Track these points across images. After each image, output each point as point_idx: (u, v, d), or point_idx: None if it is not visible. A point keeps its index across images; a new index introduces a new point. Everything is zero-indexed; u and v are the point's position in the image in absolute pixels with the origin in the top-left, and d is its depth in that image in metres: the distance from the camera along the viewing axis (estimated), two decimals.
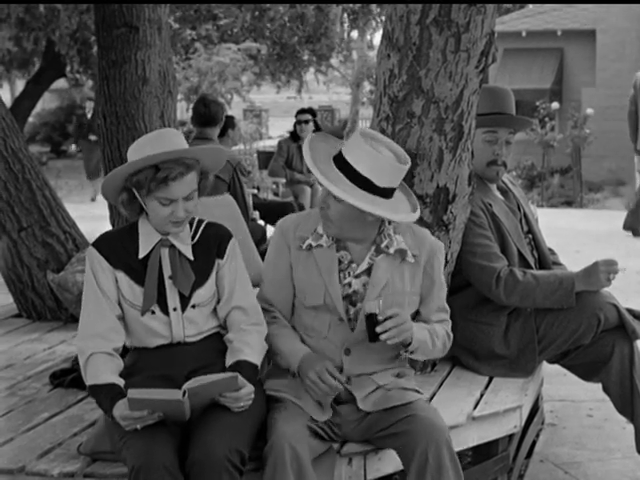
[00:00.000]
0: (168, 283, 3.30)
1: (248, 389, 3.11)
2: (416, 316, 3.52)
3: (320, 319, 3.43)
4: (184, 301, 3.31)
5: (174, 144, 3.20)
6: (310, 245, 3.43)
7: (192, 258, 3.33)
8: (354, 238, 3.42)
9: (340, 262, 3.43)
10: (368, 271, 3.43)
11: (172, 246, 3.32)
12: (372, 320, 3.26)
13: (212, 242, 3.38)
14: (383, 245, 3.42)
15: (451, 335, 3.60)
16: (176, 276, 3.29)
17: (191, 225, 3.39)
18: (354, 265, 3.43)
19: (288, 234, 3.46)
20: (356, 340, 3.39)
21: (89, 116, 18.93)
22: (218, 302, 3.40)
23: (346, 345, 3.42)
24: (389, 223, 3.45)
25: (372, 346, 3.35)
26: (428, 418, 3.23)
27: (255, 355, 3.27)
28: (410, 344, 3.34)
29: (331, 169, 3.31)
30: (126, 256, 3.31)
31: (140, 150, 3.21)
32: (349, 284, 3.42)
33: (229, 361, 3.25)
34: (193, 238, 3.36)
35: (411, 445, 3.17)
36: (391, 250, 3.42)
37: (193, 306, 3.32)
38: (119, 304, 3.32)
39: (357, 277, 3.43)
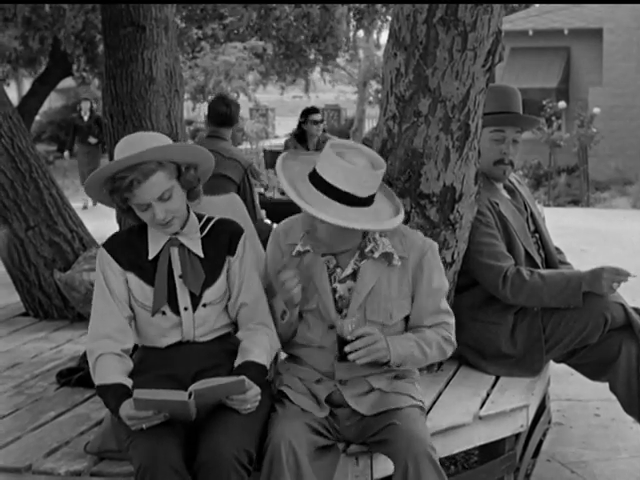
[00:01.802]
0: (178, 282, 3.29)
1: (254, 391, 3.10)
2: (407, 321, 3.46)
3: (313, 325, 3.40)
4: (195, 300, 3.30)
5: (135, 149, 3.13)
6: (299, 251, 3.41)
7: (202, 256, 3.32)
8: (345, 250, 3.37)
9: (327, 267, 3.40)
10: (353, 276, 3.38)
11: (182, 245, 3.31)
12: (342, 340, 3.22)
13: (223, 239, 3.36)
14: (367, 250, 3.36)
15: (452, 338, 3.47)
16: (186, 275, 3.28)
17: (200, 222, 3.38)
18: (339, 270, 3.40)
19: (280, 241, 3.46)
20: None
21: (86, 118, 17.76)
22: (229, 299, 3.39)
23: (338, 352, 3.32)
24: None
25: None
26: (407, 429, 3.16)
27: (263, 355, 3.25)
28: (388, 362, 3.28)
29: (309, 188, 3.23)
30: (136, 257, 3.30)
31: (115, 155, 3.20)
32: (335, 289, 3.39)
33: (238, 361, 3.24)
34: (201, 234, 3.34)
35: (393, 455, 3.17)
36: (376, 255, 3.35)
37: (204, 305, 3.31)
38: (130, 305, 3.32)
39: (342, 282, 3.39)
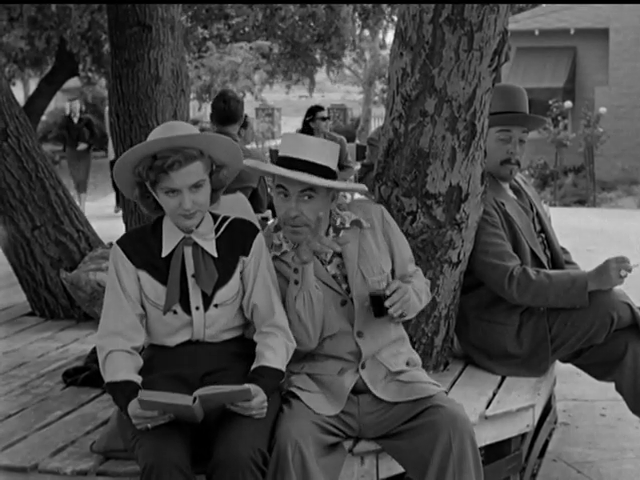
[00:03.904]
0: (191, 282, 3.27)
1: (260, 398, 3.08)
2: (392, 274, 3.62)
3: (325, 311, 3.44)
4: (207, 300, 3.28)
5: (177, 133, 3.17)
6: (275, 256, 3.49)
7: (216, 255, 3.30)
8: (321, 231, 3.45)
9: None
10: (337, 253, 3.52)
11: (195, 244, 3.30)
12: (378, 296, 3.36)
13: (237, 239, 3.35)
14: (338, 223, 3.54)
15: (429, 282, 3.79)
16: (199, 275, 3.26)
17: (215, 221, 3.38)
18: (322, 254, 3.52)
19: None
20: (364, 317, 3.46)
21: (75, 120, 16.53)
22: (243, 299, 3.37)
23: (357, 328, 3.46)
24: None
25: (377, 320, 3.44)
26: (452, 409, 3.26)
27: (277, 358, 3.23)
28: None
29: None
30: (149, 255, 3.29)
31: (150, 139, 3.21)
32: (326, 270, 3.50)
33: (253, 366, 3.23)
34: (216, 234, 3.34)
35: (434, 436, 3.18)
36: (347, 224, 3.54)
37: (216, 305, 3.29)
38: (141, 303, 3.31)
39: (330, 262, 3.52)
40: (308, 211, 3.35)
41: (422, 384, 3.40)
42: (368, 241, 3.55)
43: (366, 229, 3.56)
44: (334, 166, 3.46)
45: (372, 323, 3.46)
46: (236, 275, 3.33)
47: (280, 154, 3.44)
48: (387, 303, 3.33)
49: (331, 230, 3.52)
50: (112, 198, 15.92)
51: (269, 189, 10.20)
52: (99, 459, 3.34)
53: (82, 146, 16.33)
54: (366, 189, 3.60)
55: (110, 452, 3.33)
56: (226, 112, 6.66)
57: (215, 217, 3.38)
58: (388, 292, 3.35)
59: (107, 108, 16.05)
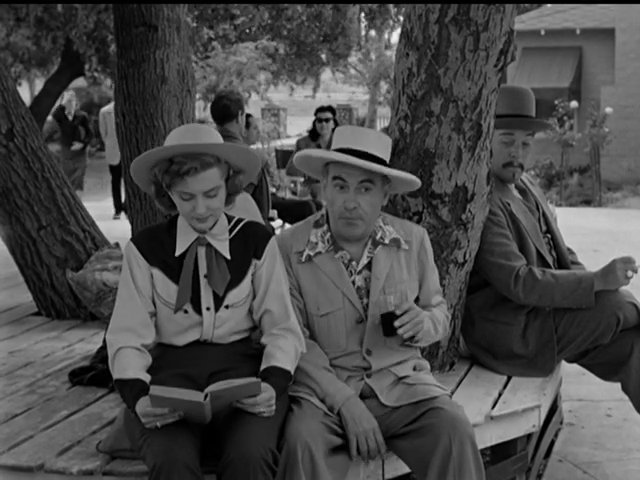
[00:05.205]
0: (203, 282, 3.28)
1: (267, 394, 3.07)
2: (416, 302, 3.58)
3: (335, 327, 3.46)
4: (218, 301, 3.29)
5: (196, 139, 3.17)
6: (309, 255, 3.48)
7: (229, 257, 3.31)
8: (368, 232, 3.49)
9: (343, 263, 3.50)
10: (368, 265, 3.51)
11: (209, 245, 3.31)
12: (389, 316, 3.34)
13: (250, 242, 3.36)
14: (378, 237, 3.53)
15: (449, 316, 3.75)
16: (211, 275, 3.27)
17: (229, 223, 3.38)
18: (354, 263, 3.50)
19: (286, 249, 3.50)
20: (374, 335, 3.45)
21: (70, 118, 15.46)
22: (253, 302, 3.37)
23: (366, 346, 3.46)
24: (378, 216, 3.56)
25: (388, 341, 3.44)
26: (452, 412, 3.25)
27: (287, 360, 3.24)
28: (414, 337, 3.40)
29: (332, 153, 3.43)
30: (163, 253, 3.30)
31: (169, 141, 3.22)
32: (353, 282, 3.49)
33: (262, 366, 3.23)
34: (230, 235, 3.34)
35: (434, 438, 3.18)
36: (386, 240, 3.52)
37: (226, 306, 3.30)
38: (152, 301, 3.31)
39: (359, 273, 3.50)
40: (365, 203, 3.38)
41: (425, 386, 3.40)
42: (401, 264, 3.54)
43: (402, 250, 3.55)
44: (388, 159, 3.48)
45: (381, 343, 3.47)
46: (248, 277, 3.34)
47: (336, 147, 3.43)
48: (397, 323, 3.32)
49: (370, 242, 3.52)
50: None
51: (274, 189, 10.24)
52: (105, 459, 3.34)
53: (77, 146, 15.56)
54: (419, 183, 3.59)
55: (116, 452, 3.33)
56: (216, 112, 7.07)
57: (229, 219, 3.39)
58: (399, 312, 3.33)
59: (101, 109, 15.79)
